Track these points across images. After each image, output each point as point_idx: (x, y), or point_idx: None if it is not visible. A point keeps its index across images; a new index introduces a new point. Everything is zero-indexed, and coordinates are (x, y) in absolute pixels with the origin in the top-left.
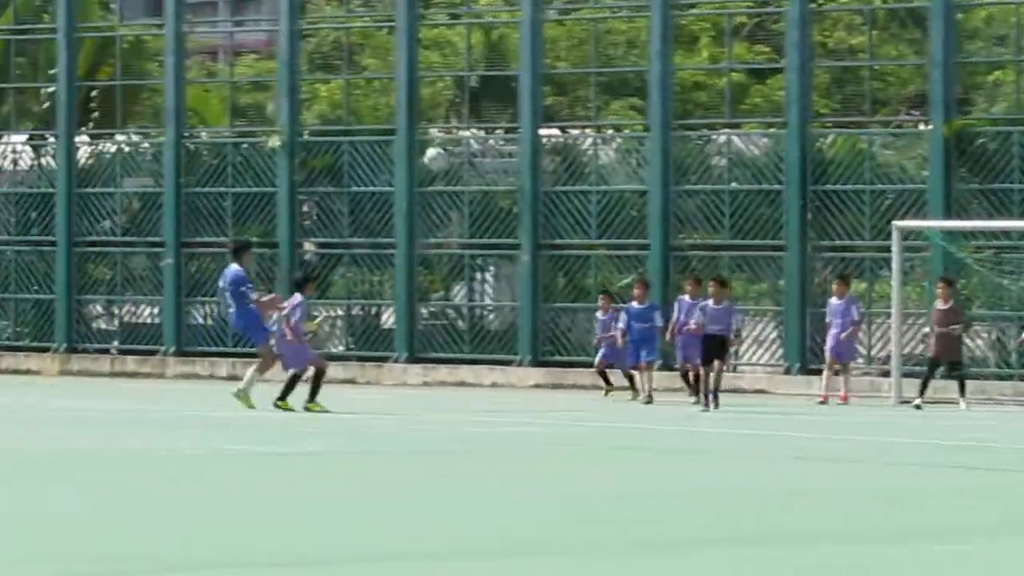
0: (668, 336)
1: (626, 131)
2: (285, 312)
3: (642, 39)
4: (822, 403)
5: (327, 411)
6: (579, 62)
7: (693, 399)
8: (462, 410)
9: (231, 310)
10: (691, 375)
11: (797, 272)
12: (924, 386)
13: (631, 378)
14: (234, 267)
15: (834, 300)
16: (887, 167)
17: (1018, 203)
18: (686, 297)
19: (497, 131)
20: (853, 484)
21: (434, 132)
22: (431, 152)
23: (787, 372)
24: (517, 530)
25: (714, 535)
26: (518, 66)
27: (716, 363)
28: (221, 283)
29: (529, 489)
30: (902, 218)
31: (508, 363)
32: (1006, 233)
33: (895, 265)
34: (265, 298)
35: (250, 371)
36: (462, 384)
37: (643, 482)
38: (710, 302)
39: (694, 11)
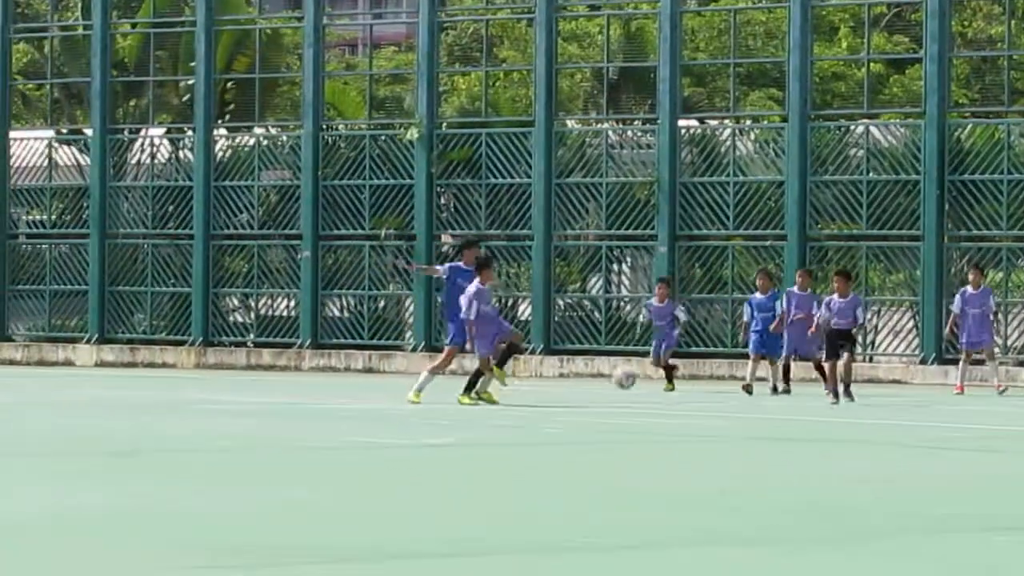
0: (774, 327)
1: (764, 122)
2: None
3: (781, 30)
4: (958, 394)
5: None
6: (717, 53)
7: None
8: (597, 403)
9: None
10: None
11: (934, 262)
12: None
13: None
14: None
15: (969, 289)
16: None
17: None
18: (795, 289)
19: (635, 122)
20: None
21: (571, 123)
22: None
23: (923, 362)
24: (716, 521)
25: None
26: (656, 57)
27: (846, 356)
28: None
29: (710, 480)
30: None
31: (644, 354)
32: None
33: None
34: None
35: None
36: (598, 375)
37: (822, 471)
38: (835, 296)
39: (833, 1)
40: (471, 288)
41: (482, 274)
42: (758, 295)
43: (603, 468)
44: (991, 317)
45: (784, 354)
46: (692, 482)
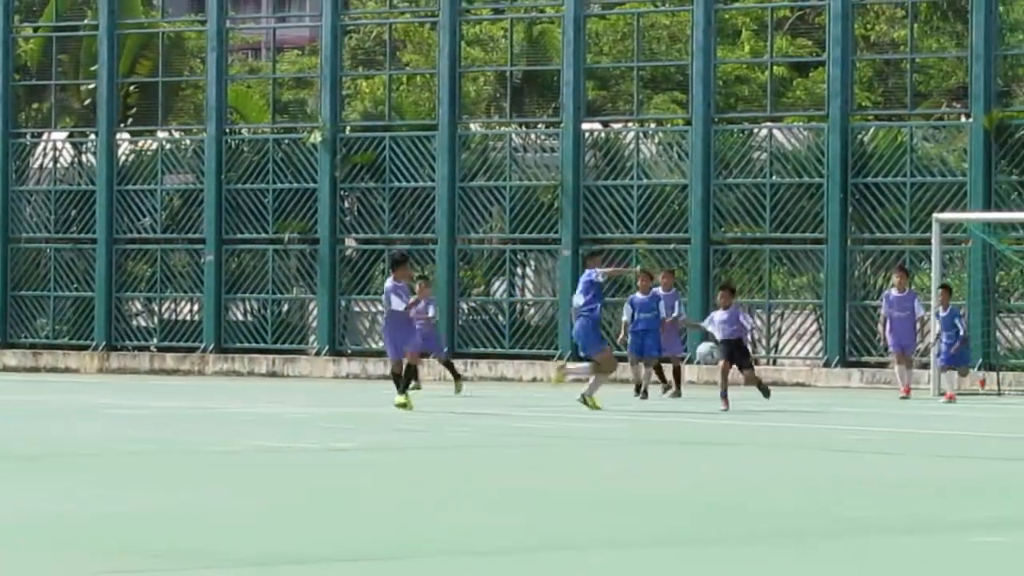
0: (621, 333)
1: (668, 125)
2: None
3: (684, 33)
4: (904, 398)
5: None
6: (621, 56)
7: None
8: (501, 407)
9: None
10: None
11: (837, 265)
12: None
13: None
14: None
15: (894, 292)
16: (928, 160)
17: None
18: (638, 294)
19: (539, 126)
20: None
21: (475, 127)
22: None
23: (827, 365)
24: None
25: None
26: (560, 60)
27: (746, 372)
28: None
29: (615, 485)
30: (942, 210)
31: (548, 358)
32: None
33: (935, 258)
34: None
35: (592, 376)
36: (502, 379)
37: (686, 474)
38: (719, 312)
39: (736, 5)
40: (386, 284)
41: (396, 272)
42: (639, 295)
43: (507, 471)
44: (916, 323)
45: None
46: (596, 484)
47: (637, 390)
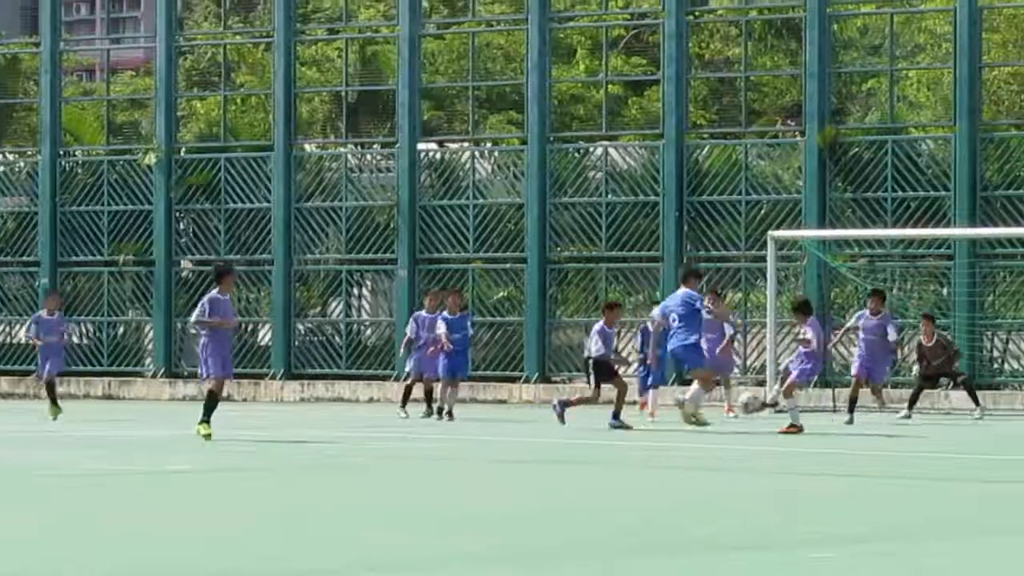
0: (402, 350)
1: (503, 145)
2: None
3: (519, 52)
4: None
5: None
6: (457, 76)
7: (424, 413)
8: (341, 426)
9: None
10: (425, 389)
11: (673, 283)
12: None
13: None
14: (683, 290)
15: (867, 314)
16: (762, 177)
17: (891, 212)
18: (423, 312)
19: (374, 146)
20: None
21: (310, 148)
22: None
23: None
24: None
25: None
26: (395, 81)
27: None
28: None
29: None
30: (777, 228)
31: (386, 378)
32: (879, 242)
33: (770, 275)
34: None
35: (693, 391)
36: (339, 400)
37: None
38: (602, 324)
39: (571, 24)
40: (209, 295)
41: (221, 282)
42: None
43: (346, 491)
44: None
45: (413, 376)
46: (444, 503)
47: (439, 412)
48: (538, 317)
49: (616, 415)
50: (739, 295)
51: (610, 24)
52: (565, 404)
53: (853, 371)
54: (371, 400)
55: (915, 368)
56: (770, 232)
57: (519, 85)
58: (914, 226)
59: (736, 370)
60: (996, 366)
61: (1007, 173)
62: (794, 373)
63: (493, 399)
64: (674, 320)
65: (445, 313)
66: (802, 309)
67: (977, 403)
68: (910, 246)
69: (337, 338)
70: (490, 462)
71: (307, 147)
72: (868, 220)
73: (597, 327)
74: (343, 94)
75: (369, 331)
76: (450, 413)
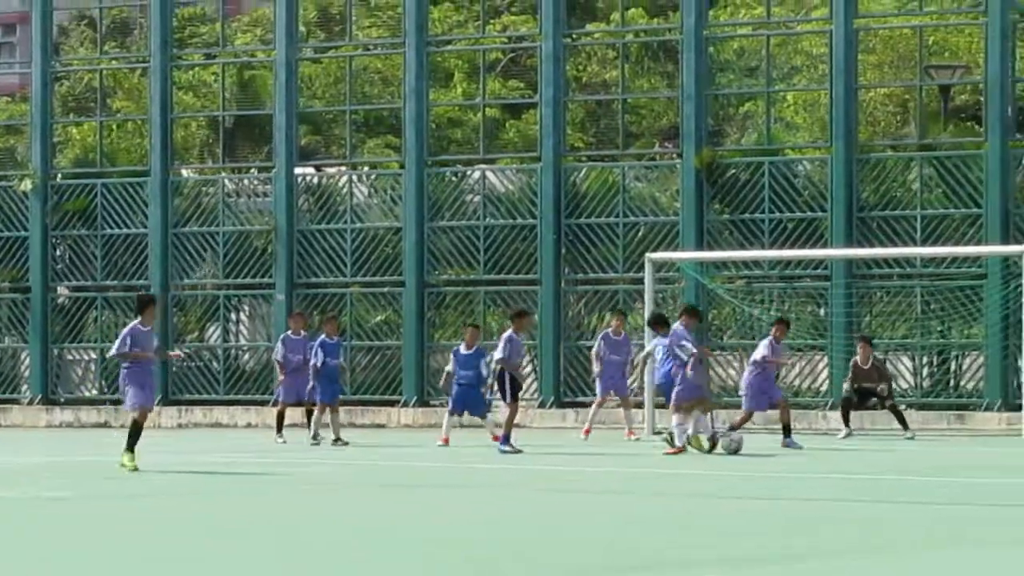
0: (312, 373)
1: (381, 168)
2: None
3: (397, 76)
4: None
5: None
6: (334, 100)
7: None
8: (216, 451)
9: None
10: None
11: (551, 306)
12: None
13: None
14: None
15: (611, 334)
16: (640, 200)
17: (768, 233)
18: (290, 334)
19: (251, 170)
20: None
21: (187, 173)
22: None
23: (542, 406)
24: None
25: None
26: (273, 105)
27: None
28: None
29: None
30: (655, 250)
31: (264, 403)
32: (757, 263)
33: (648, 297)
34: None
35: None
36: (217, 425)
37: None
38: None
39: (449, 48)
40: (130, 326)
41: (143, 313)
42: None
43: (232, 516)
44: (628, 366)
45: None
46: (329, 527)
47: (315, 437)
48: (416, 341)
49: (506, 439)
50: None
51: (487, 47)
52: (506, 439)
53: (752, 405)
54: (249, 425)
55: (844, 386)
56: (648, 254)
57: (396, 109)
58: (791, 247)
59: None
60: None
61: (883, 194)
62: (677, 390)
63: (371, 423)
64: (659, 353)
65: (324, 337)
66: (660, 322)
67: (905, 426)
68: (787, 267)
69: (215, 363)
70: (382, 487)
71: (184, 172)
72: (745, 241)
73: (506, 335)
74: (220, 119)
75: (247, 356)
76: (339, 439)
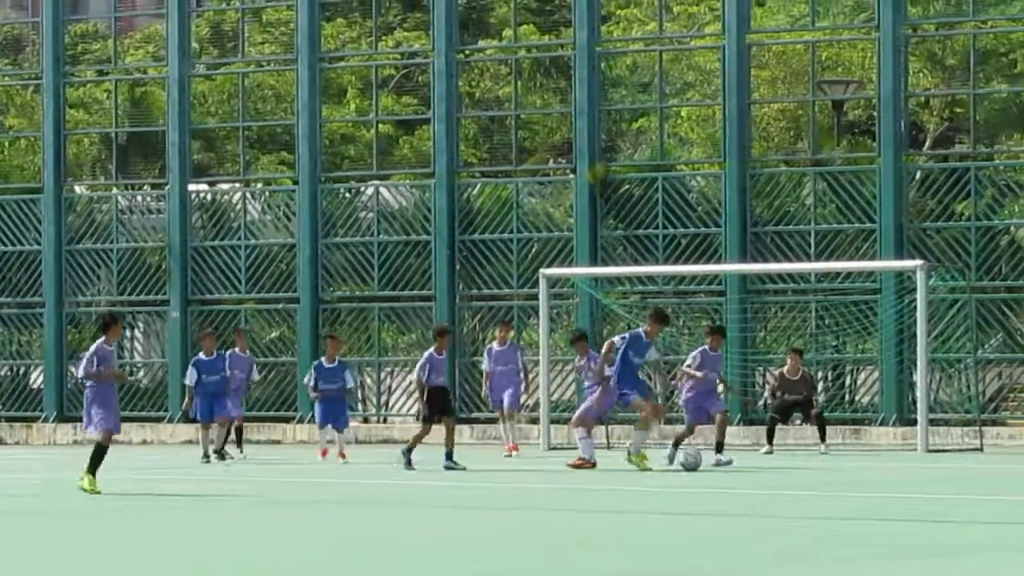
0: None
1: (275, 185)
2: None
3: (290, 93)
4: (509, 455)
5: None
6: (227, 117)
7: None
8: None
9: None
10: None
11: (447, 322)
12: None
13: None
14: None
15: (495, 346)
16: (534, 215)
17: (662, 248)
18: (203, 356)
19: (145, 187)
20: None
21: (80, 189)
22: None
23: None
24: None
25: None
26: (166, 122)
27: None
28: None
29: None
30: (549, 266)
31: (158, 420)
32: (651, 278)
33: (542, 312)
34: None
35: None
36: (112, 442)
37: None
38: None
39: (342, 64)
40: (95, 345)
41: (108, 331)
42: (203, 356)
43: (140, 534)
44: (520, 375)
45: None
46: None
47: (218, 453)
48: (311, 357)
49: (449, 455)
50: (512, 333)
51: (380, 64)
52: (408, 451)
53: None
54: (144, 442)
55: (769, 401)
56: (542, 270)
57: (290, 125)
58: (685, 262)
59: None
60: (768, 401)
61: (777, 209)
62: (586, 405)
63: (267, 439)
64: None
65: (236, 350)
66: (583, 339)
67: (824, 439)
68: (682, 282)
69: None
70: (274, 503)
71: (77, 189)
72: (640, 257)
73: (427, 355)
74: (113, 135)
75: (141, 373)
76: (220, 453)
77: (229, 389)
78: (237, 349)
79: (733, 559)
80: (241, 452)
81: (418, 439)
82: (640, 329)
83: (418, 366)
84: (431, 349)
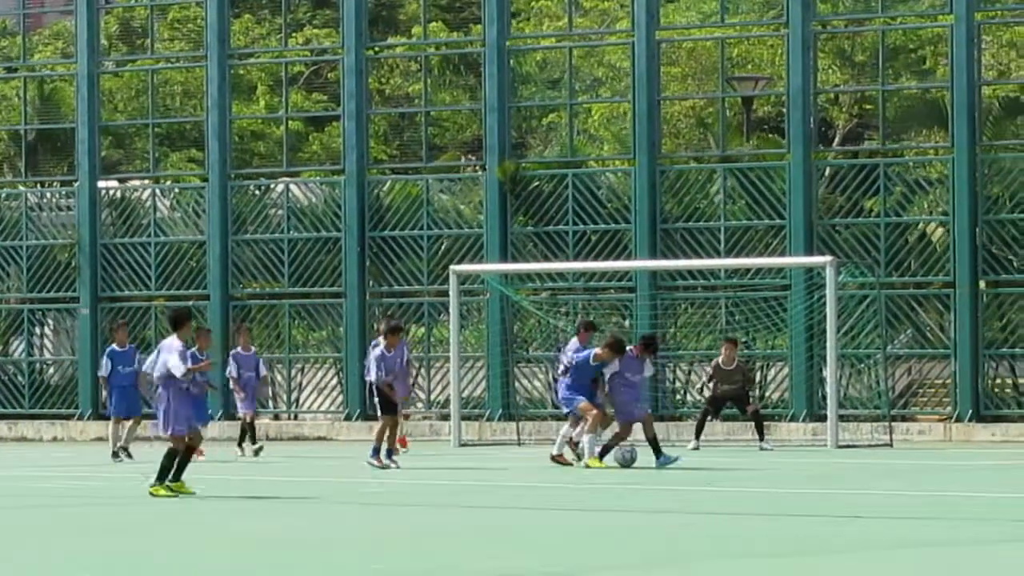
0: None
1: (184, 182)
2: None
3: (200, 89)
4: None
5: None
6: (136, 113)
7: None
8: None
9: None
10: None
11: (357, 319)
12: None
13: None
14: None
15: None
16: (444, 212)
17: (572, 245)
18: (115, 346)
19: (54, 184)
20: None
21: None
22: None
23: (348, 418)
24: None
25: None
26: (75, 119)
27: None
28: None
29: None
30: (459, 262)
31: (68, 417)
32: (561, 275)
33: (453, 309)
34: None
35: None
36: (22, 439)
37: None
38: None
39: (251, 61)
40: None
41: (181, 330)
42: (115, 346)
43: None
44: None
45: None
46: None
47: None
48: (223, 354)
49: (390, 453)
50: (422, 330)
51: (290, 60)
52: (376, 452)
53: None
54: (55, 439)
55: (705, 391)
56: (452, 267)
57: (199, 122)
58: (595, 259)
59: (420, 403)
60: (679, 397)
61: (687, 205)
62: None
63: None
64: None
65: (240, 349)
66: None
67: (762, 436)
68: (592, 279)
69: (20, 377)
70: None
71: None
72: (550, 254)
73: (376, 352)
74: (22, 132)
75: (52, 370)
76: (127, 451)
77: (143, 384)
78: (240, 348)
79: (625, 558)
80: (255, 447)
81: (381, 435)
82: (593, 351)
83: (372, 367)
84: (382, 346)
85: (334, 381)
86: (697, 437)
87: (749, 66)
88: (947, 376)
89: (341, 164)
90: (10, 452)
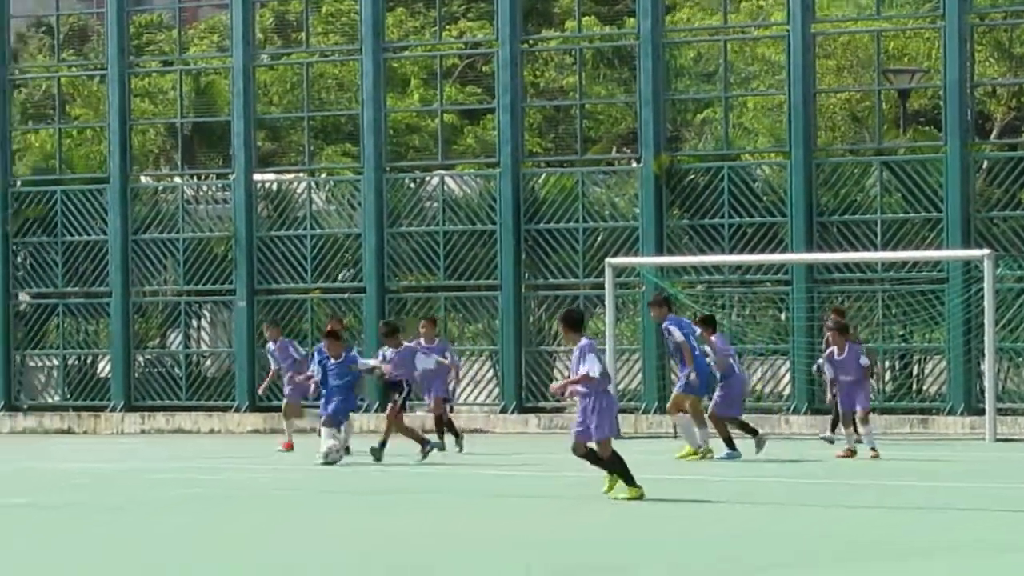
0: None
1: (339, 175)
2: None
3: (354, 83)
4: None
5: None
6: (291, 107)
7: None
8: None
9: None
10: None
11: (512, 311)
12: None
13: None
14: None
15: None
16: (599, 205)
17: (728, 238)
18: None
19: (210, 177)
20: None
21: (146, 179)
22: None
23: (504, 411)
24: None
25: None
26: (230, 112)
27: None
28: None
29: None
30: (615, 255)
31: (226, 409)
32: (717, 268)
33: (608, 302)
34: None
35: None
36: (179, 431)
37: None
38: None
39: (406, 54)
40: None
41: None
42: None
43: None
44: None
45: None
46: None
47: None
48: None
49: (383, 444)
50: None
51: (444, 53)
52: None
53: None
54: (212, 431)
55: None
56: (607, 259)
57: (354, 115)
58: (751, 252)
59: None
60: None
61: (843, 198)
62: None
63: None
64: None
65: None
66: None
67: (834, 428)
68: (747, 272)
69: (177, 369)
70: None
71: (143, 179)
72: (705, 246)
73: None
74: (178, 125)
75: (209, 362)
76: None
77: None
78: (423, 340)
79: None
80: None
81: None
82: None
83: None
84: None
85: (490, 374)
86: (833, 430)
87: (905, 59)
88: None
89: (496, 157)
90: (189, 443)
